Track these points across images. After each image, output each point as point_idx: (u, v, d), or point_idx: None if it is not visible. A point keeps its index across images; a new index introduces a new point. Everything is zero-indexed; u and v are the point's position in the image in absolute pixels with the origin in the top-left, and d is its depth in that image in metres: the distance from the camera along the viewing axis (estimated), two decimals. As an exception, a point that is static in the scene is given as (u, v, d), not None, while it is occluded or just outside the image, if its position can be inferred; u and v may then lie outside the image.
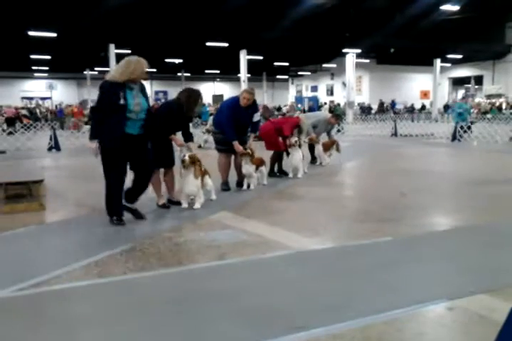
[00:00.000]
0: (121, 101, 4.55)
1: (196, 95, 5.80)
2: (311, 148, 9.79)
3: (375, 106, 36.85)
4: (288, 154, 7.97)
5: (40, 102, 39.69)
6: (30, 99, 40.73)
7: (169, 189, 5.85)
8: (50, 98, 40.76)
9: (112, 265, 3.59)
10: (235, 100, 6.77)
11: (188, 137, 5.77)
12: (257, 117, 6.85)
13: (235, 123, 6.53)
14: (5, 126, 21.50)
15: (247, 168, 6.64)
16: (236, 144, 6.51)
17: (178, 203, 5.63)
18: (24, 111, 29.01)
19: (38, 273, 3.40)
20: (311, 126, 9.46)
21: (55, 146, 14.26)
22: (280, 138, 7.85)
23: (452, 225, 4.90)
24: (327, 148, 9.69)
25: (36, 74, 41.15)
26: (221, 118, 6.77)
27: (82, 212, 5.53)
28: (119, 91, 4.56)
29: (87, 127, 23.29)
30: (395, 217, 5.04)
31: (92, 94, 39.69)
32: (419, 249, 4.00)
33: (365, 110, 35.53)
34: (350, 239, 4.26)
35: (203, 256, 3.78)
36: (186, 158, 5.32)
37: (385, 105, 37.06)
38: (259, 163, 6.90)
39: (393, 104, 37.78)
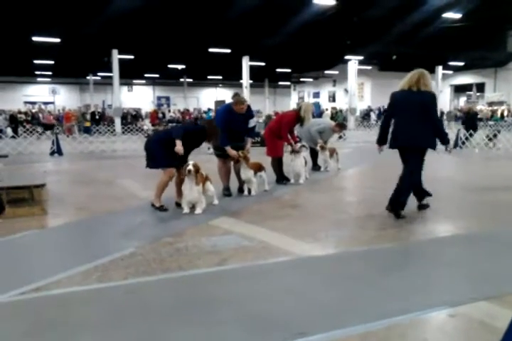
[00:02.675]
0: None
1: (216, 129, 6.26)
2: (313, 154, 9.81)
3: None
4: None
5: (43, 107, 39.80)
6: (33, 103, 40.84)
7: (178, 192, 5.87)
8: (53, 103, 40.91)
9: (113, 270, 3.58)
10: (228, 106, 6.76)
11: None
12: (252, 123, 6.83)
13: (229, 128, 6.55)
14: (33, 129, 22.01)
15: (246, 173, 6.65)
16: (229, 149, 6.54)
17: None
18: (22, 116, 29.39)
19: (39, 277, 3.39)
20: (317, 132, 9.47)
21: (57, 151, 14.30)
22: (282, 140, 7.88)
23: (454, 232, 4.89)
24: (332, 154, 9.74)
25: (39, 79, 41.29)
26: (217, 124, 6.81)
27: (83, 217, 5.53)
28: None
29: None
30: (396, 223, 5.03)
31: (94, 99, 40.00)
32: (421, 255, 3.99)
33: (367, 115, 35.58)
34: (352, 245, 4.25)
35: (203, 261, 3.77)
36: (190, 167, 5.36)
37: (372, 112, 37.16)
38: (257, 168, 6.90)
39: (384, 110, 37.76)
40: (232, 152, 6.53)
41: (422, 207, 5.68)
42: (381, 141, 5.43)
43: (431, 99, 5.14)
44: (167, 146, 5.63)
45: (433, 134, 5.17)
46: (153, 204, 5.77)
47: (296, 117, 7.91)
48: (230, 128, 6.54)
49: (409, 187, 5.27)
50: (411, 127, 5.13)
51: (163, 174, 5.71)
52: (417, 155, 5.23)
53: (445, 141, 5.31)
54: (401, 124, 5.23)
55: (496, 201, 6.30)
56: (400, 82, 5.40)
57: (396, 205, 5.19)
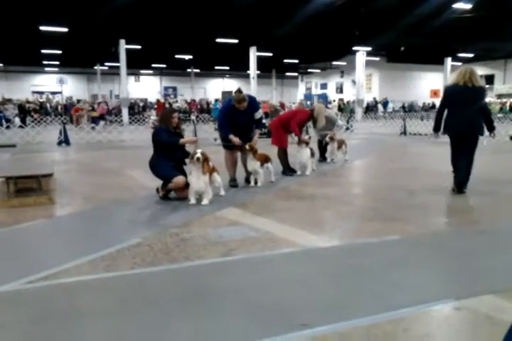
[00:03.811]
0: None
1: (168, 112, 6.55)
2: (321, 146, 9.80)
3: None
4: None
5: (51, 97, 39.92)
6: (41, 93, 40.95)
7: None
8: (60, 92, 41.01)
9: (120, 260, 3.61)
10: (230, 102, 6.74)
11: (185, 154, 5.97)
12: (258, 115, 6.84)
13: (233, 123, 6.64)
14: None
15: (252, 164, 6.67)
16: (232, 137, 6.60)
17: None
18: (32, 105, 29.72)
19: (47, 266, 3.43)
20: (318, 129, 9.52)
21: (64, 140, 14.37)
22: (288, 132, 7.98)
23: (460, 225, 4.87)
24: (340, 145, 9.81)
25: (47, 69, 41.36)
26: (219, 117, 7.08)
27: (90, 207, 5.57)
28: None
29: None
30: (402, 215, 5.02)
31: (101, 89, 40.01)
32: (427, 248, 3.99)
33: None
34: (358, 237, 4.25)
35: (210, 252, 3.79)
36: (198, 155, 5.36)
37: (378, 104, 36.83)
38: (264, 160, 6.90)
39: (385, 102, 37.41)
40: (234, 139, 6.58)
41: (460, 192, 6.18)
42: (437, 128, 6.35)
43: (483, 92, 6.15)
44: (165, 160, 5.79)
45: (482, 122, 6.07)
46: (158, 190, 5.93)
47: (310, 116, 8.17)
48: (233, 123, 6.64)
49: (471, 167, 6.18)
50: (469, 117, 5.96)
51: (172, 183, 5.76)
52: (475, 140, 6.09)
53: (492, 127, 6.18)
54: (458, 115, 6.02)
55: (503, 194, 6.27)
56: (452, 77, 6.27)
57: (463, 184, 6.14)
